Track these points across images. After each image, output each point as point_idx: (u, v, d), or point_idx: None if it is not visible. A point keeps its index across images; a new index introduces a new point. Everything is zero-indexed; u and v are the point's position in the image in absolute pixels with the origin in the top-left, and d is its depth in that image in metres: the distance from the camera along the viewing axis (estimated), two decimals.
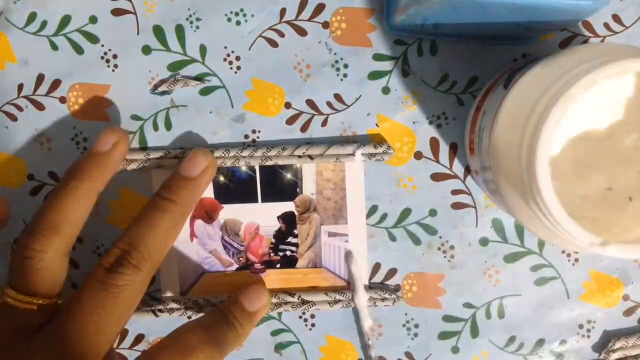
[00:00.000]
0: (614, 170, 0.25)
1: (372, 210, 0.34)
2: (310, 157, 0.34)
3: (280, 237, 0.35)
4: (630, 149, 0.25)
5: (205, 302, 0.35)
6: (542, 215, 0.24)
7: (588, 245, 0.23)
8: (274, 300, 0.34)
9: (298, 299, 0.34)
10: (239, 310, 0.32)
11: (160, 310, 0.34)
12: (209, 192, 0.34)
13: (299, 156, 0.34)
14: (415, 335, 0.35)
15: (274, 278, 0.35)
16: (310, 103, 0.34)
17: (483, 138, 0.28)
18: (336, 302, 0.34)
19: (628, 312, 0.34)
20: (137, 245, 0.29)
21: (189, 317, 0.35)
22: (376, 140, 0.34)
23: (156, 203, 0.31)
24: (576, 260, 0.34)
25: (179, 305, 0.35)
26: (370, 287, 0.35)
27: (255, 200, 0.35)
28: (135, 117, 0.34)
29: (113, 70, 0.34)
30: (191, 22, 0.34)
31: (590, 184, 0.25)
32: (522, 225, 0.27)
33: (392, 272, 0.35)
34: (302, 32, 0.34)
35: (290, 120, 0.34)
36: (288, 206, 0.35)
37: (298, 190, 0.34)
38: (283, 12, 0.33)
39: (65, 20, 0.34)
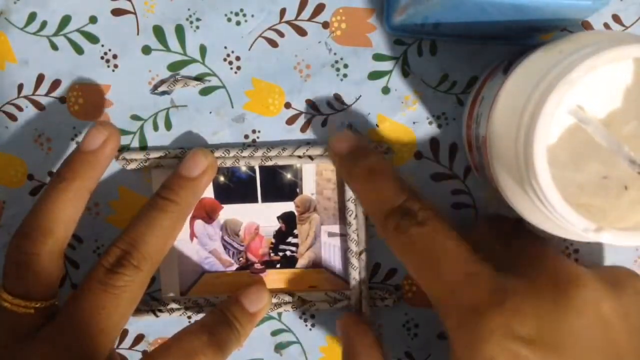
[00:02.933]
0: (611, 159, 0.25)
1: None
2: (311, 158, 0.34)
3: (280, 237, 0.35)
4: (628, 138, 0.25)
5: (206, 302, 0.35)
6: (538, 201, 0.24)
7: (582, 231, 0.24)
8: (274, 300, 0.34)
9: (298, 299, 0.34)
10: (240, 310, 0.32)
11: (160, 310, 0.34)
12: (209, 192, 0.34)
13: (299, 156, 0.34)
14: (415, 335, 0.35)
15: (274, 278, 0.35)
16: (310, 103, 0.34)
17: (481, 124, 0.28)
18: (336, 301, 0.34)
19: None
20: (137, 245, 0.29)
21: (189, 317, 0.35)
22: (376, 140, 0.34)
23: (156, 203, 0.31)
24: (576, 260, 0.34)
25: (179, 305, 0.35)
26: (370, 287, 0.35)
27: (255, 201, 0.35)
28: (135, 117, 0.34)
29: (113, 70, 0.34)
30: (191, 22, 0.34)
31: (587, 172, 0.26)
32: (520, 213, 0.27)
33: (392, 272, 0.35)
34: (302, 32, 0.34)
35: (290, 120, 0.34)
36: (288, 206, 0.35)
37: (298, 190, 0.34)
38: (283, 12, 0.33)
39: (65, 20, 0.34)
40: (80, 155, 0.31)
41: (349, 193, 0.33)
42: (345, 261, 0.35)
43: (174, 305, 0.35)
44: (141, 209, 0.31)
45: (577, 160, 0.26)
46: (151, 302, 0.35)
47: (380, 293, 0.34)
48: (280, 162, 0.34)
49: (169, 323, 0.35)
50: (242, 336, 0.32)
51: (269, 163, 0.34)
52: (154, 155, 0.34)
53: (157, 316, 0.34)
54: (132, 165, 0.34)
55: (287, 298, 0.34)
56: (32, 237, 0.29)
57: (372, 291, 0.34)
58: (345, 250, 0.35)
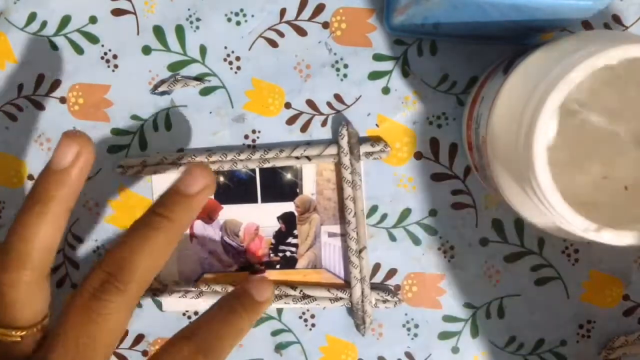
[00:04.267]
0: (611, 159, 0.25)
1: (372, 210, 0.34)
2: (308, 158, 0.34)
3: (280, 237, 0.35)
4: (628, 138, 0.25)
5: (209, 288, 0.34)
6: (538, 201, 0.24)
7: (583, 231, 0.24)
8: (276, 292, 0.34)
9: (300, 292, 0.34)
10: (249, 300, 0.30)
11: (159, 290, 0.34)
12: None
13: (297, 157, 0.34)
14: (415, 335, 0.35)
15: (273, 279, 0.35)
16: (310, 103, 0.34)
17: (481, 124, 0.28)
18: (337, 299, 0.34)
19: (628, 312, 0.34)
20: (124, 266, 0.27)
21: (189, 318, 0.35)
22: (374, 138, 0.34)
23: (150, 220, 0.28)
24: (576, 260, 0.34)
25: (179, 288, 0.34)
26: (371, 288, 0.34)
27: (255, 201, 0.35)
28: (135, 117, 0.34)
29: (113, 71, 0.34)
30: (191, 22, 0.34)
31: (587, 172, 0.26)
32: (520, 213, 0.27)
33: (392, 272, 0.35)
34: (302, 32, 0.34)
35: (290, 121, 0.34)
36: (288, 206, 0.35)
37: (298, 190, 0.34)
38: (283, 12, 0.33)
39: (65, 20, 0.34)
40: (52, 175, 0.28)
41: (347, 191, 0.33)
42: (346, 262, 0.35)
43: (174, 288, 0.34)
44: (131, 226, 0.28)
45: (577, 160, 0.26)
46: (153, 284, 0.34)
47: (383, 294, 0.34)
48: (278, 164, 0.34)
49: (169, 323, 0.35)
50: (248, 327, 0.30)
51: (267, 165, 0.34)
52: (151, 162, 0.34)
53: (155, 295, 0.34)
54: (130, 172, 0.34)
55: (289, 291, 0.34)
56: (10, 269, 0.27)
57: (375, 292, 0.34)
58: (345, 251, 0.35)
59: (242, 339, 0.30)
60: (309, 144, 0.34)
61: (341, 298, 0.34)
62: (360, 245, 0.34)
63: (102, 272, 0.27)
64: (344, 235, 0.35)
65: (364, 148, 0.33)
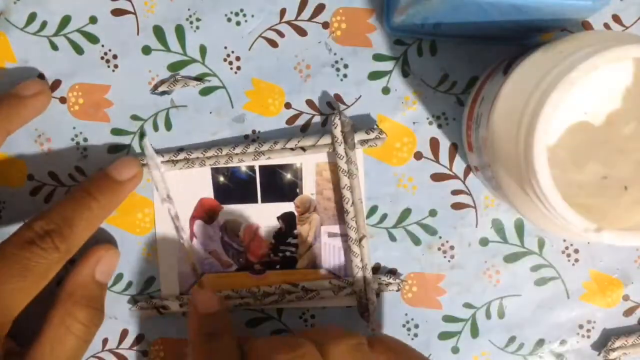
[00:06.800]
0: (611, 159, 0.25)
1: (372, 210, 0.34)
2: (303, 149, 0.34)
3: (280, 237, 0.35)
4: (628, 138, 0.25)
5: None
6: (539, 201, 0.24)
7: (583, 231, 0.24)
8: (277, 291, 0.34)
9: (301, 289, 0.34)
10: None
11: (164, 308, 0.34)
12: (209, 193, 0.34)
13: (292, 148, 0.33)
14: (415, 335, 0.35)
15: (273, 279, 0.35)
16: (310, 103, 0.34)
17: (481, 124, 0.28)
18: (340, 289, 0.34)
19: (628, 312, 0.34)
20: (63, 228, 0.30)
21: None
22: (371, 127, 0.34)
23: (79, 195, 0.31)
24: (576, 260, 0.34)
25: (181, 302, 0.34)
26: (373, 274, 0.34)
27: (255, 201, 0.35)
28: (135, 117, 0.34)
29: (113, 71, 0.34)
30: (191, 22, 0.34)
31: (587, 172, 0.26)
32: (520, 213, 0.27)
33: (392, 272, 0.35)
34: (302, 32, 0.34)
35: (290, 121, 0.34)
36: (288, 206, 0.35)
37: (298, 190, 0.34)
38: (283, 12, 0.33)
39: (65, 21, 0.34)
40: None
41: (344, 180, 0.33)
42: (346, 261, 0.35)
43: (177, 302, 0.35)
44: (69, 195, 0.31)
45: (577, 160, 0.26)
46: (154, 301, 0.35)
47: (385, 278, 0.34)
48: (273, 156, 0.34)
49: (169, 323, 0.35)
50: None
51: (262, 158, 0.34)
52: (145, 161, 0.34)
53: (161, 314, 0.34)
54: None
55: (290, 289, 0.34)
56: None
57: (376, 276, 0.34)
58: (345, 251, 0.35)
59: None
60: (302, 134, 0.34)
61: (343, 287, 0.34)
62: (360, 234, 0.34)
63: (44, 223, 0.29)
64: (344, 236, 0.35)
65: (359, 136, 0.33)
